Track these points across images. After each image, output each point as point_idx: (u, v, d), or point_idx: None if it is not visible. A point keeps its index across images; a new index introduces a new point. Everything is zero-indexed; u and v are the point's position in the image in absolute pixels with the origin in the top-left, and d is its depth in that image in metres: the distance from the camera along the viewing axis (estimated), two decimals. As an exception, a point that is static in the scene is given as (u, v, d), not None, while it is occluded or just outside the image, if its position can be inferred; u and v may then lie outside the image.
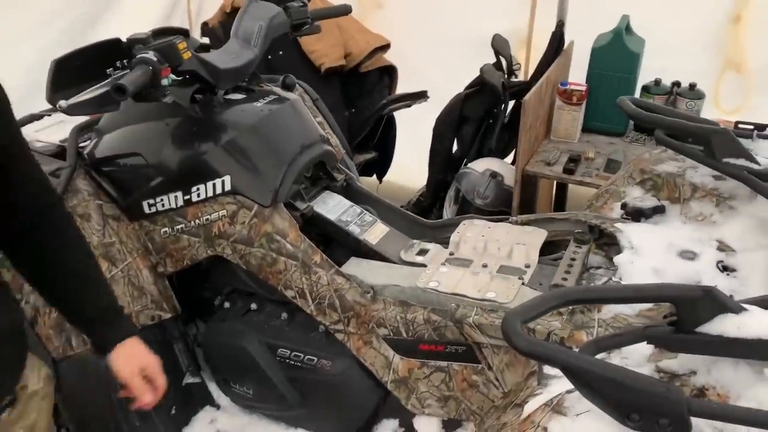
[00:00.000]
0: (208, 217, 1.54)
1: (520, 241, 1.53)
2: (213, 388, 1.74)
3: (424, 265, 1.52)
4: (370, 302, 1.44)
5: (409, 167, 3.17)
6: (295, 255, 1.50)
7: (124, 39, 1.42)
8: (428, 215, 2.74)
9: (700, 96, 2.42)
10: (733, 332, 0.93)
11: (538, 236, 1.55)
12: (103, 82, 1.34)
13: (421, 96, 2.90)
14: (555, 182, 2.65)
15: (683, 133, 1.53)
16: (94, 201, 1.55)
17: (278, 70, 2.68)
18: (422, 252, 1.58)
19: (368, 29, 2.97)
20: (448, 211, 2.60)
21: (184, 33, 1.70)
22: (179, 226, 1.56)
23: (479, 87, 2.63)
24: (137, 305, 1.55)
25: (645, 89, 2.50)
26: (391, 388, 1.44)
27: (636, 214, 1.57)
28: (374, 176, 3.24)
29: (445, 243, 1.62)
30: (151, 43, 1.38)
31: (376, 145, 3.02)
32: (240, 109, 1.59)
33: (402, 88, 3.11)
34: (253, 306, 1.66)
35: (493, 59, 2.64)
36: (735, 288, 1.29)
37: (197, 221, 1.54)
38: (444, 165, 2.78)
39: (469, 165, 2.59)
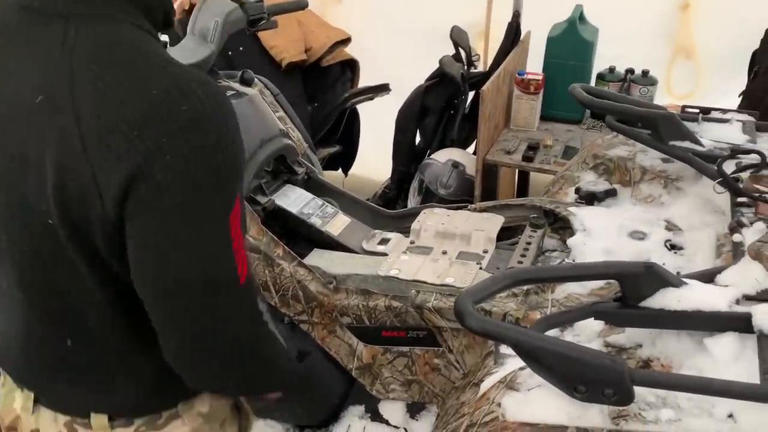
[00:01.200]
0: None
1: (478, 228, 1.57)
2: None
3: (385, 254, 1.55)
4: (333, 292, 1.46)
5: (374, 160, 3.20)
6: (257, 248, 1.52)
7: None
8: (394, 207, 2.77)
9: (652, 82, 2.49)
10: (674, 305, 0.98)
11: (495, 222, 1.59)
12: None
13: (382, 89, 2.92)
14: (517, 171, 2.70)
15: (632, 118, 1.58)
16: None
17: (239, 66, 2.68)
18: (384, 241, 1.61)
19: (328, 23, 3.00)
20: (412, 202, 2.64)
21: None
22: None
23: (439, 78, 2.66)
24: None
25: (600, 77, 2.56)
26: (356, 375, 1.47)
27: (589, 198, 1.62)
28: (340, 170, 3.27)
29: (406, 232, 1.65)
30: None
31: (340, 138, 3.04)
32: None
33: (364, 81, 3.13)
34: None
35: (452, 51, 2.68)
36: (682, 265, 1.34)
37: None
38: (407, 157, 2.81)
39: (431, 156, 2.63)
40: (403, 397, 1.46)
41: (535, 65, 2.65)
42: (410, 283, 1.41)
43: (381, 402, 1.48)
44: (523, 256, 1.44)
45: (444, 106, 2.72)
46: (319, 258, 1.57)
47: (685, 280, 1.01)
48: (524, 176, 2.81)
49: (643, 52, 2.60)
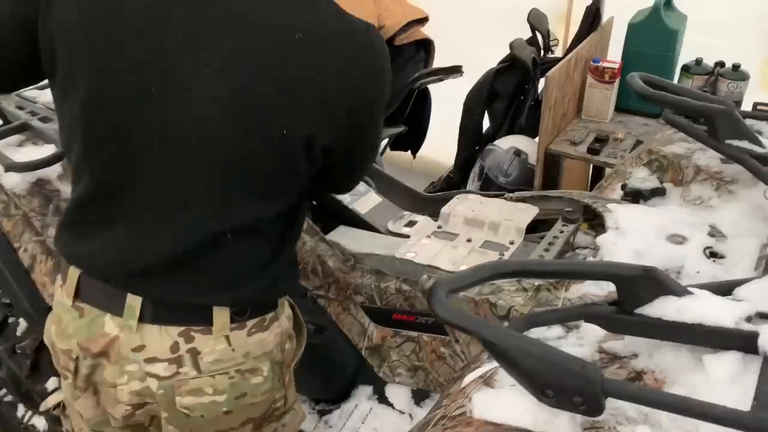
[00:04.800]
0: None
1: (508, 218, 1.50)
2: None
3: (408, 237, 1.52)
4: (350, 270, 1.45)
5: (444, 142, 3.14)
6: (282, 220, 1.53)
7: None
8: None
9: (743, 77, 2.29)
10: (673, 315, 0.89)
11: (528, 213, 1.52)
12: None
13: (455, 71, 2.85)
14: (591, 165, 2.57)
15: (688, 111, 1.45)
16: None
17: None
18: (411, 224, 1.58)
19: (406, 1, 2.95)
20: (471, 188, 2.57)
21: None
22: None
23: (510, 63, 2.57)
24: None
25: (685, 69, 2.38)
26: (366, 355, 1.46)
27: (635, 196, 1.51)
28: (409, 152, 3.24)
29: (438, 216, 1.61)
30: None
31: (409, 119, 3.00)
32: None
33: (439, 62, 3.07)
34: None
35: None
36: (719, 274, 1.23)
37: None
38: (472, 141, 2.75)
39: (495, 142, 2.55)
40: (408, 383, 1.43)
41: (617, 54, 2.50)
42: (424, 267, 1.37)
43: (388, 385, 1.46)
44: (546, 250, 1.36)
45: (514, 91, 2.62)
46: (342, 235, 1.56)
47: (692, 289, 0.92)
48: (599, 171, 2.67)
49: (736, 43, 2.38)
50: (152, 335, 1.05)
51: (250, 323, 1.09)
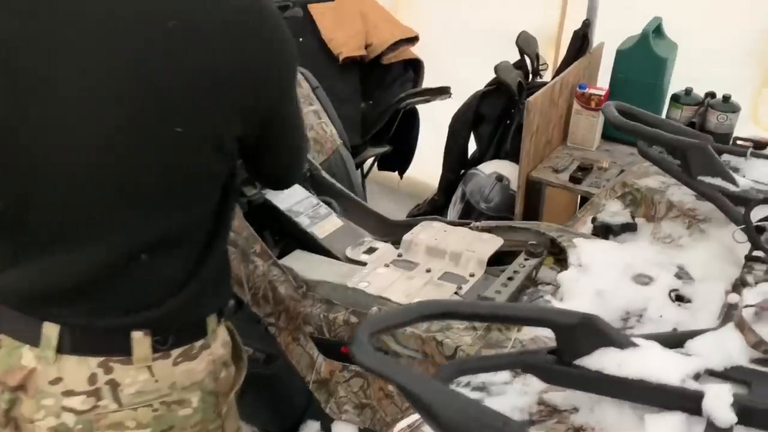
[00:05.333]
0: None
1: (471, 248, 1.43)
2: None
3: (365, 264, 1.45)
4: (301, 298, 1.38)
5: (432, 164, 3.08)
6: (235, 242, 1.46)
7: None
8: (442, 215, 2.66)
9: (734, 109, 2.21)
10: (613, 369, 0.82)
11: (491, 244, 1.45)
12: None
13: (442, 92, 2.80)
14: (579, 194, 2.50)
15: (660, 144, 1.39)
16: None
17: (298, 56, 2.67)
18: (370, 250, 1.51)
19: (396, 20, 2.90)
20: (452, 213, 2.51)
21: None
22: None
23: (497, 86, 2.51)
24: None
25: (674, 99, 2.31)
26: (313, 389, 1.39)
27: (604, 231, 1.44)
28: (396, 172, 3.18)
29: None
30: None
31: (394, 139, 2.95)
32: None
33: (429, 82, 3.02)
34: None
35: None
36: (683, 320, 1.15)
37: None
38: (457, 164, 2.68)
39: (478, 167, 2.49)
40: (354, 421, 1.35)
41: (607, 81, 2.43)
42: (375, 298, 1.30)
43: (335, 422, 1.39)
44: (505, 285, 1.29)
45: (500, 115, 2.56)
46: (297, 260, 1.49)
47: (638, 340, 0.85)
48: (586, 201, 2.59)
49: (728, 74, 2.31)
50: (70, 367, 0.99)
51: (175, 352, 1.02)
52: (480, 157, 2.68)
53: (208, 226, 1.02)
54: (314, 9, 2.68)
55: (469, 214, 2.42)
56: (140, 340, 0.99)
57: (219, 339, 1.10)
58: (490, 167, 2.43)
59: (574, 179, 2.17)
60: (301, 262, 1.48)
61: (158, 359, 1.01)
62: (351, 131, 2.67)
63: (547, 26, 2.75)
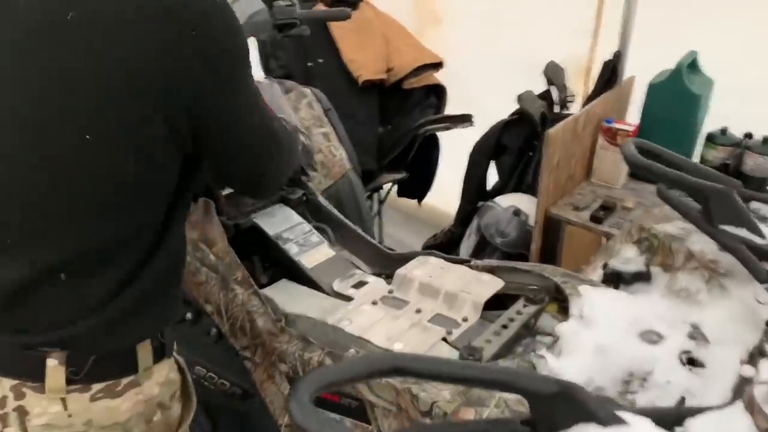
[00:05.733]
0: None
1: (467, 289, 1.32)
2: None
3: (351, 299, 1.35)
4: (279, 332, 1.28)
5: (454, 192, 2.98)
6: (216, 267, 1.38)
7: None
8: (456, 248, 2.54)
9: (773, 152, 2.06)
10: (593, 451, 0.71)
11: (490, 287, 1.33)
12: None
13: (464, 120, 2.70)
14: (604, 235, 2.36)
15: (681, 187, 1.26)
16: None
17: (316, 77, 2.61)
18: (359, 284, 1.41)
19: (420, 44, 2.82)
20: (466, 246, 2.39)
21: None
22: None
23: (520, 116, 2.40)
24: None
25: (709, 138, 2.17)
26: (284, 432, 1.28)
27: (615, 279, 1.31)
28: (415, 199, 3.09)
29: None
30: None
31: (415, 165, 2.86)
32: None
33: (452, 109, 2.93)
34: (188, 315, 1.54)
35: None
36: (693, 388, 1.02)
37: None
38: (475, 194, 2.57)
39: (495, 199, 2.37)
40: (326, 473, 1.24)
41: (637, 116, 2.30)
42: (355, 339, 1.20)
43: (306, 471, 1.27)
44: (497, 334, 1.17)
45: (522, 147, 2.45)
46: (280, 291, 1.40)
47: (627, 416, 0.72)
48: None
49: (768, 113, 2.16)
50: None
51: (96, 386, 0.93)
52: (501, 189, 2.57)
53: (144, 241, 0.92)
54: (336, 30, 2.62)
55: (483, 249, 2.30)
56: (54, 369, 0.91)
57: (155, 377, 1.00)
58: (507, 200, 2.31)
59: (595, 218, 2.03)
60: (283, 293, 1.38)
61: (74, 392, 0.93)
62: (366, 156, 2.58)
63: (577, 56, 2.63)
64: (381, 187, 2.96)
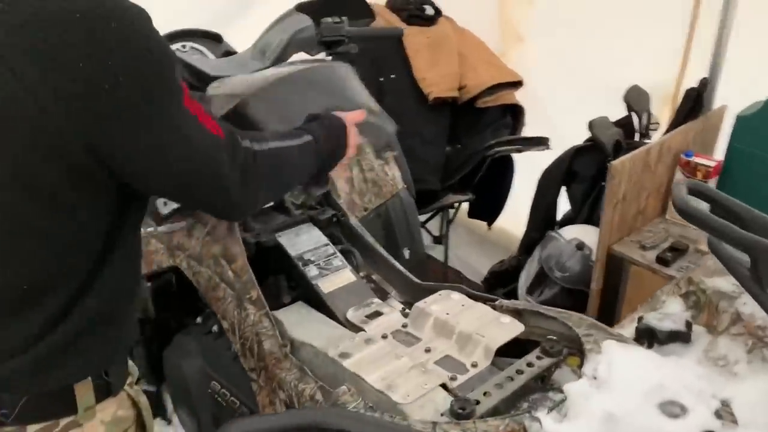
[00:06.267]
0: (171, 225, 1.47)
1: (483, 332, 1.23)
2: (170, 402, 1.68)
3: (362, 330, 1.30)
4: (282, 358, 1.25)
5: (526, 216, 2.86)
6: (233, 284, 1.37)
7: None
8: (518, 277, 2.42)
9: None
10: None
11: (507, 331, 1.24)
12: None
13: (539, 143, 2.58)
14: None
15: (726, 240, 1.11)
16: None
17: (387, 93, 2.58)
18: (374, 315, 1.35)
19: (499, 63, 2.73)
20: (524, 276, 2.27)
21: (214, 37, 1.67)
22: (150, 229, 1.52)
23: (593, 143, 2.25)
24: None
25: (804, 180, 1.94)
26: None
27: (648, 336, 1.18)
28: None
29: (417, 311, 1.37)
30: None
31: (486, 187, 2.76)
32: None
33: (530, 131, 2.81)
34: (215, 328, 1.55)
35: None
36: (707, 477, 0.89)
37: (163, 227, 1.49)
38: (542, 222, 2.43)
39: (560, 230, 2.23)
40: None
41: (723, 151, 2.10)
42: (351, 375, 1.14)
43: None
44: (499, 386, 1.08)
45: (595, 175, 2.29)
46: (291, 314, 1.36)
47: None
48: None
49: None
50: None
51: (32, 428, 0.89)
52: (571, 219, 2.42)
53: (74, 282, 0.87)
54: (410, 46, 2.58)
55: (542, 281, 2.18)
56: None
57: (98, 417, 0.95)
58: (572, 232, 2.17)
59: (661, 260, 1.86)
60: (295, 317, 1.35)
61: None
62: (430, 175, 2.53)
63: (663, 83, 2.44)
64: (451, 206, 2.89)
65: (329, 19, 1.60)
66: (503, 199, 2.82)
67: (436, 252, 3.24)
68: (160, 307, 1.69)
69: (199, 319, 1.62)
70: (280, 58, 1.56)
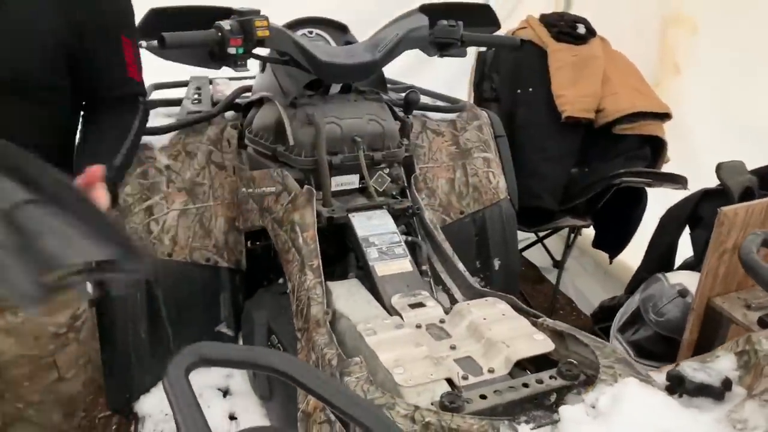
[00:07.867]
0: (264, 189, 1.63)
1: (510, 343, 1.23)
2: (243, 348, 1.84)
3: (400, 317, 1.35)
4: (322, 324, 1.35)
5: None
6: (301, 250, 1.49)
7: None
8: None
9: None
10: None
11: (535, 347, 1.23)
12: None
13: (674, 180, 2.44)
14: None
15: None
16: (207, 146, 1.78)
17: (522, 105, 2.59)
18: (417, 305, 1.39)
19: (649, 91, 2.61)
20: (620, 312, 2.17)
21: (339, 26, 1.80)
22: (249, 189, 1.70)
23: (723, 187, 2.09)
24: (196, 242, 1.75)
25: None
26: (299, 418, 1.34)
27: (677, 383, 1.12)
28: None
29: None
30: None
31: (613, 218, 2.66)
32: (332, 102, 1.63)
33: (673, 167, 2.65)
34: (289, 287, 1.69)
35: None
36: None
37: (258, 189, 1.66)
38: (657, 264, 2.31)
39: (666, 273, 2.11)
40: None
41: None
42: (369, 350, 1.21)
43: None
44: (498, 393, 1.09)
45: (721, 223, 2.12)
46: (344, 288, 1.45)
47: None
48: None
49: None
50: None
51: None
52: (693, 267, 2.27)
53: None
54: (553, 62, 2.56)
55: (635, 322, 2.07)
56: None
57: None
58: (679, 276, 2.05)
59: (763, 323, 1.70)
60: (345, 291, 1.44)
61: None
62: (547, 193, 2.49)
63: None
64: (572, 230, 2.82)
65: (445, 22, 1.67)
66: (630, 233, 2.69)
67: (553, 276, 3.16)
68: (253, 263, 1.86)
69: (281, 280, 1.77)
70: (392, 53, 1.65)
